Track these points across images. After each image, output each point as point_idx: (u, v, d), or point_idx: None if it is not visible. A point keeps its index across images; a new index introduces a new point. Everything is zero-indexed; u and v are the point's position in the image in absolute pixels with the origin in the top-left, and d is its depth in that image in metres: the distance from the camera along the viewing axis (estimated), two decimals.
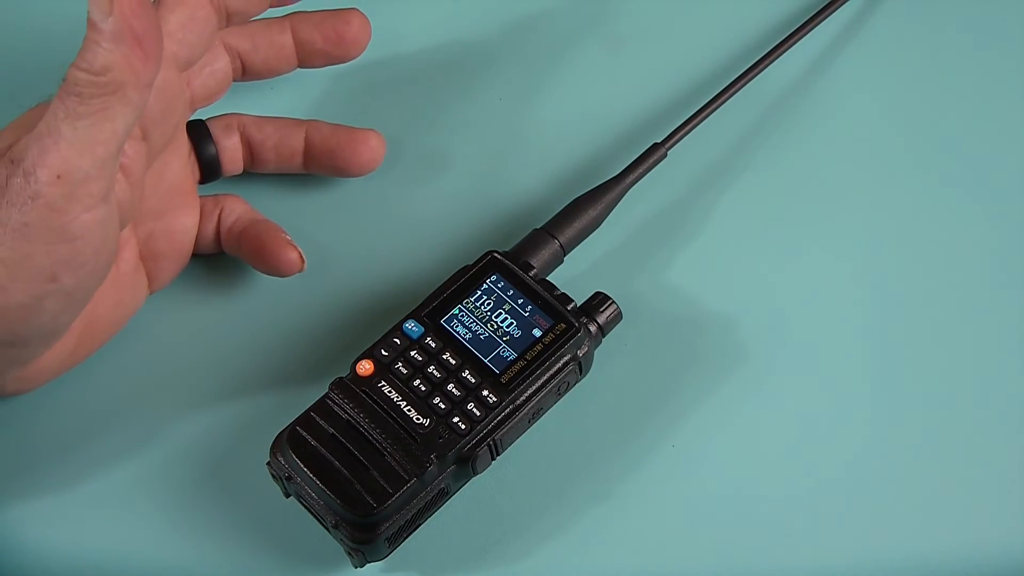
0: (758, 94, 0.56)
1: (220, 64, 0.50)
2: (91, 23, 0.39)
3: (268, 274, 0.50)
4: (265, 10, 0.49)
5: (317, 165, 0.52)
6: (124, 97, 0.40)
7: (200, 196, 0.50)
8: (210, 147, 0.51)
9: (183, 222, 0.49)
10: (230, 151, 0.51)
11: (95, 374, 0.49)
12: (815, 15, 0.56)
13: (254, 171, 0.53)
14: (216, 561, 0.46)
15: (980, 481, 0.48)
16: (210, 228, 0.50)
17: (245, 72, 0.51)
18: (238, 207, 0.51)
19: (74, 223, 0.40)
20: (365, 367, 0.45)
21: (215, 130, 0.51)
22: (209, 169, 0.51)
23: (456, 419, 0.44)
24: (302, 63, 0.51)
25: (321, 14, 0.51)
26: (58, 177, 0.39)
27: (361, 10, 0.51)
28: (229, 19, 0.47)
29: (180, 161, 0.49)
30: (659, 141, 0.52)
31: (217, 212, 0.51)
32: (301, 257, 0.50)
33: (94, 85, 0.39)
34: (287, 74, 0.52)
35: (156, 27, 0.40)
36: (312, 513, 0.44)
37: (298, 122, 0.52)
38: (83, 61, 0.39)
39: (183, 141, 0.49)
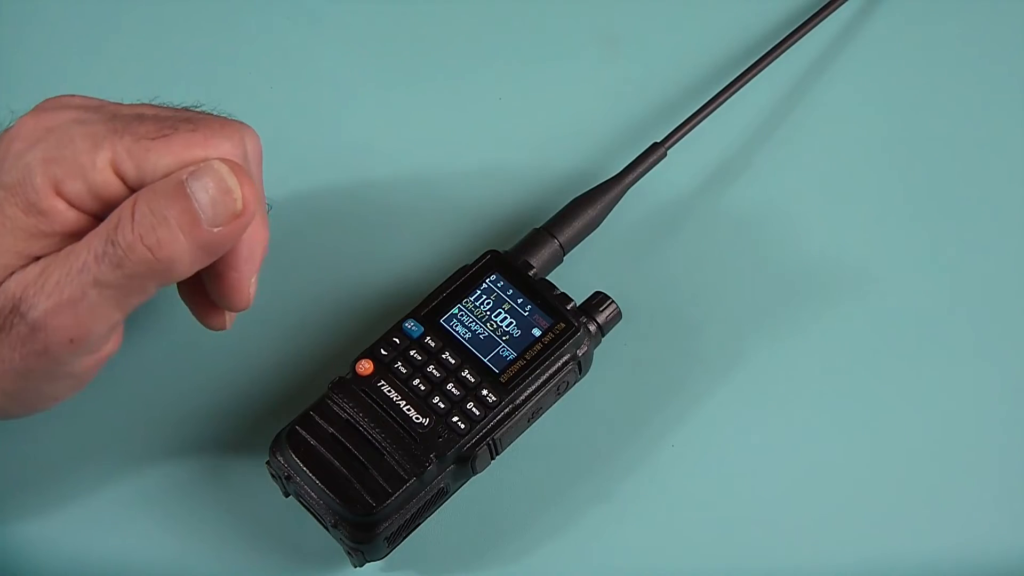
0: (757, 94, 0.56)
1: None
2: (186, 209, 0.34)
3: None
4: None
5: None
6: (171, 274, 0.35)
7: None
8: None
9: None
10: None
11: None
12: (814, 15, 0.57)
13: None
14: (216, 561, 0.46)
15: (980, 481, 0.48)
16: None
17: None
18: None
19: (79, 369, 0.38)
20: (365, 366, 0.45)
21: None
22: None
23: (456, 418, 0.44)
24: None
25: None
26: (71, 341, 0.36)
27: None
28: None
29: None
30: (659, 141, 0.52)
31: None
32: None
33: (147, 264, 0.34)
34: None
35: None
36: (312, 513, 0.44)
37: None
38: (148, 235, 0.34)
39: None
